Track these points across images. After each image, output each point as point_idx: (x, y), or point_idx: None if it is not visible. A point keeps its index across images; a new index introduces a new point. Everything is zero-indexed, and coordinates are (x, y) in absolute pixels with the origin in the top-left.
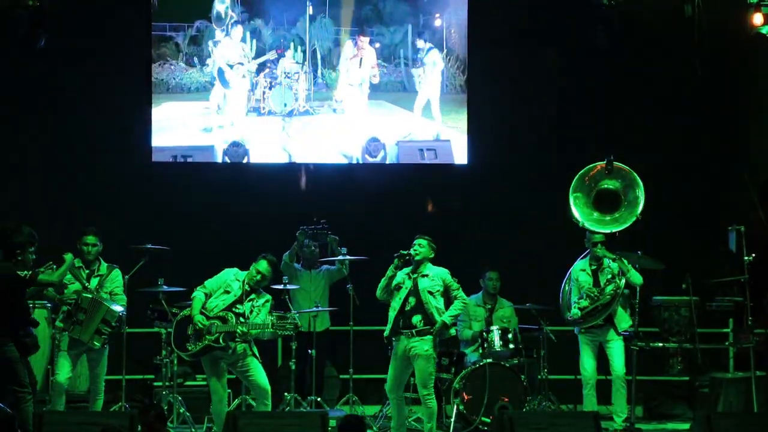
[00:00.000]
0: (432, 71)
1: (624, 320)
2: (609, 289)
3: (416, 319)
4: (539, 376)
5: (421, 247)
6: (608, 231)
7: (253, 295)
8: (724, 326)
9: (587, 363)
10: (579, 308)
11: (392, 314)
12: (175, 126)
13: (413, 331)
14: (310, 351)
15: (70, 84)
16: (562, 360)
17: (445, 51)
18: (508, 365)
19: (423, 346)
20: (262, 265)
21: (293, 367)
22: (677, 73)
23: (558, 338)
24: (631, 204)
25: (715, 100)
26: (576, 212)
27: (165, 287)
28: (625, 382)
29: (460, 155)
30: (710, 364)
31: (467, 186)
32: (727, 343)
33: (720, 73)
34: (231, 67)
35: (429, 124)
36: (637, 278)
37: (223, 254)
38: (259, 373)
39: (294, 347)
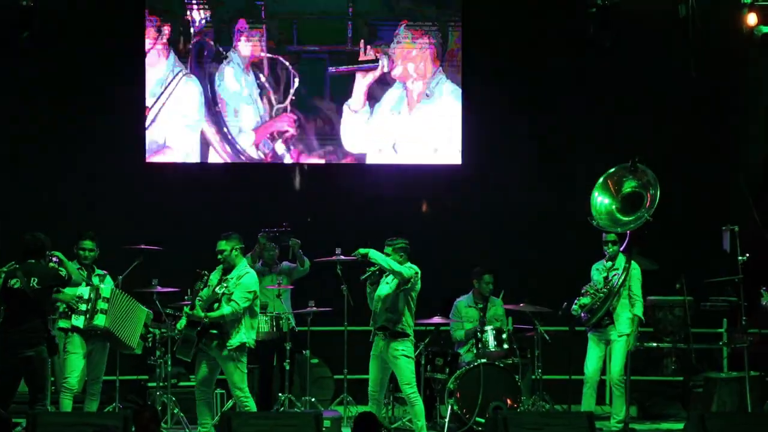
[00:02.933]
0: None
1: (625, 324)
2: (605, 289)
3: None
4: (533, 377)
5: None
6: (619, 231)
7: (227, 276)
8: (718, 326)
9: (590, 362)
10: (579, 305)
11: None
12: (171, 124)
13: (386, 333)
14: (305, 351)
15: (63, 82)
16: (556, 360)
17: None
18: (502, 365)
19: (398, 346)
20: (219, 245)
21: (287, 367)
22: (672, 73)
23: (552, 338)
24: (649, 205)
25: (710, 100)
26: (597, 212)
27: (159, 288)
28: (620, 384)
29: (454, 156)
30: (704, 364)
31: (461, 186)
32: (721, 343)
33: (714, 73)
34: None
35: (423, 124)
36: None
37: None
38: (229, 377)
39: (288, 347)
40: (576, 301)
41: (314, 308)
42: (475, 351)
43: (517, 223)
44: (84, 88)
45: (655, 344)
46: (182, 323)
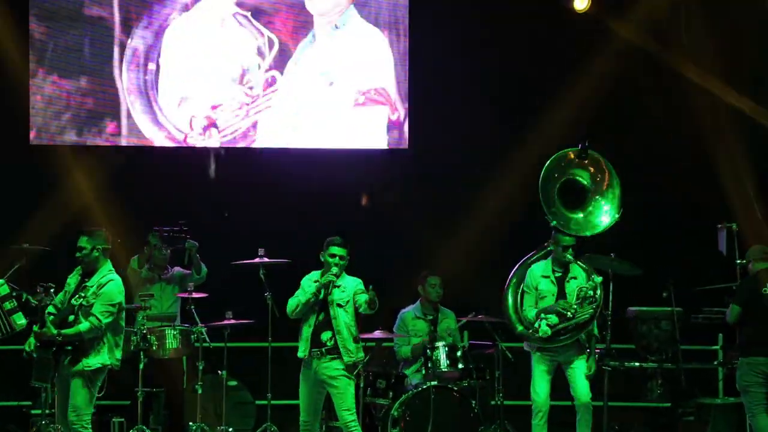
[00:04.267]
0: None
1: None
2: (589, 307)
3: (326, 336)
4: (493, 402)
5: (343, 259)
6: (583, 234)
7: (86, 282)
8: (713, 343)
9: (539, 387)
10: (548, 325)
11: (306, 331)
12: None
13: (323, 350)
14: (220, 372)
15: None
16: (520, 383)
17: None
18: (456, 389)
19: (335, 365)
20: (80, 241)
21: (200, 391)
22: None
23: (516, 357)
24: (611, 202)
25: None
26: (546, 207)
27: (44, 296)
28: (591, 408)
29: (399, 139)
30: (696, 387)
31: (407, 175)
32: (715, 363)
33: None
34: None
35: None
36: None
37: (117, 254)
38: (72, 397)
39: (201, 367)
40: (541, 320)
41: (232, 320)
42: (424, 371)
43: (474, 218)
44: None
45: (637, 364)
46: (31, 344)
